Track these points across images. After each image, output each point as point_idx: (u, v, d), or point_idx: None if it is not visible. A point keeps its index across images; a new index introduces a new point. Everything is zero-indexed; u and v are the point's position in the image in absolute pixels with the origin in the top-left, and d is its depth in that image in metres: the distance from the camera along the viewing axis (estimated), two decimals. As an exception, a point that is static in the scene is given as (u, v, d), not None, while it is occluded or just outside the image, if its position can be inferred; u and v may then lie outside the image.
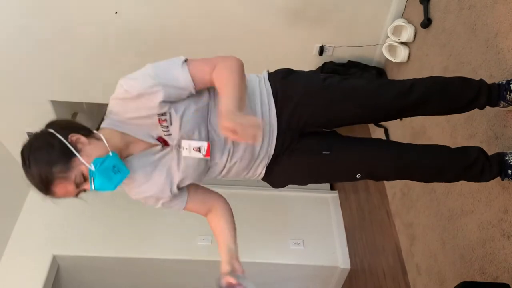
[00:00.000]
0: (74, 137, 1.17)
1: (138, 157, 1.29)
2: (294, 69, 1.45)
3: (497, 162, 1.50)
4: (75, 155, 1.15)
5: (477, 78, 1.55)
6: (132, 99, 1.19)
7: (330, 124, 1.46)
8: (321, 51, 2.82)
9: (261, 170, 1.44)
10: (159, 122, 1.22)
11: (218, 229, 1.39)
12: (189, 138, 1.25)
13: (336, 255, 3.55)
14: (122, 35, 2.69)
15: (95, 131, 1.24)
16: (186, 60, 1.23)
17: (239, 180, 1.49)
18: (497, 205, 1.69)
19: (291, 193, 3.90)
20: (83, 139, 1.18)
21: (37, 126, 1.19)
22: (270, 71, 1.44)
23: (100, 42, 2.72)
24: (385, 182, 2.90)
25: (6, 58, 2.79)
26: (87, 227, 3.51)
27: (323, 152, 1.40)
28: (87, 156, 1.16)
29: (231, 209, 1.45)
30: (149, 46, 2.76)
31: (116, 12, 2.58)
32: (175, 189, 1.33)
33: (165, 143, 1.28)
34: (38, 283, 3.30)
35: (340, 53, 2.85)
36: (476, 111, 1.56)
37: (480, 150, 1.51)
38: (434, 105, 1.47)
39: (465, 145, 1.58)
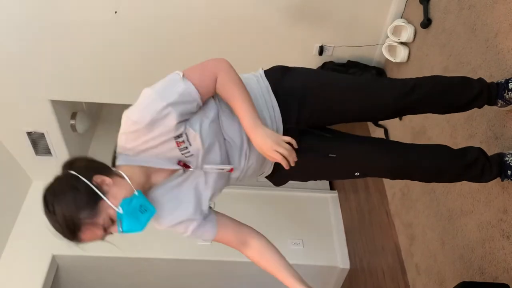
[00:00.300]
0: (99, 179, 1.12)
1: (161, 187, 1.26)
2: (290, 66, 1.45)
3: (497, 162, 1.50)
4: (102, 199, 1.11)
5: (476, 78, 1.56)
6: (144, 129, 1.12)
7: (329, 121, 1.46)
8: (321, 51, 2.82)
9: (268, 168, 1.46)
10: (177, 145, 1.18)
11: (270, 263, 1.36)
12: (212, 150, 1.24)
13: (335, 255, 3.55)
14: (122, 35, 2.69)
15: (114, 169, 1.19)
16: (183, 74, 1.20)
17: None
18: (497, 205, 1.69)
19: (291, 193, 3.90)
20: (108, 180, 1.13)
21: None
22: (265, 69, 1.44)
23: (100, 41, 2.72)
24: (384, 182, 2.90)
25: (6, 58, 2.78)
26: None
27: (330, 155, 1.40)
28: (114, 198, 1.12)
29: (269, 241, 1.41)
30: (149, 45, 2.75)
31: (116, 12, 2.58)
32: (205, 208, 1.31)
33: (185, 166, 1.25)
34: (37, 282, 3.30)
35: (340, 53, 2.85)
36: (476, 111, 1.56)
37: (480, 151, 1.51)
38: (434, 104, 1.47)
39: (465, 145, 1.58)
